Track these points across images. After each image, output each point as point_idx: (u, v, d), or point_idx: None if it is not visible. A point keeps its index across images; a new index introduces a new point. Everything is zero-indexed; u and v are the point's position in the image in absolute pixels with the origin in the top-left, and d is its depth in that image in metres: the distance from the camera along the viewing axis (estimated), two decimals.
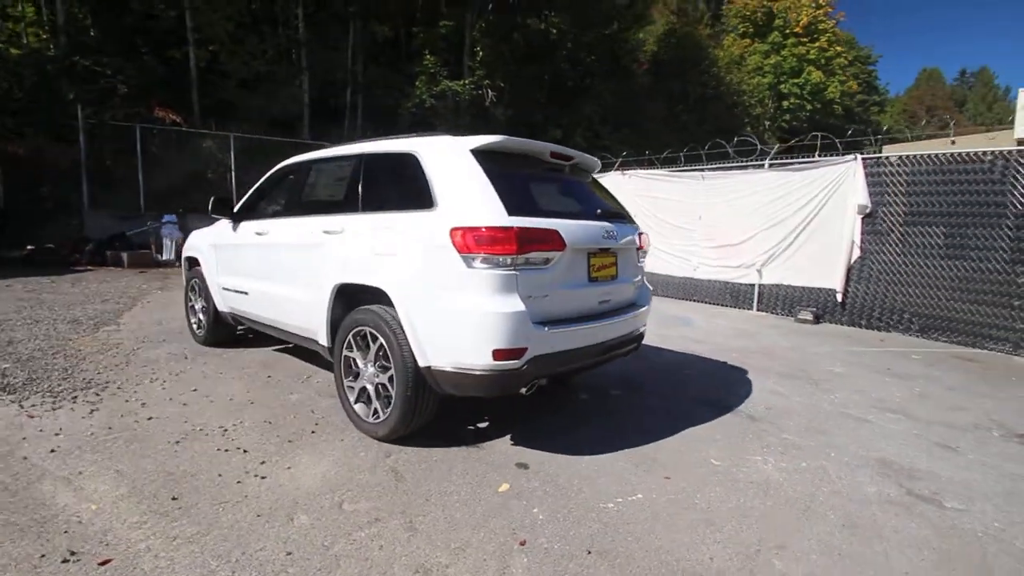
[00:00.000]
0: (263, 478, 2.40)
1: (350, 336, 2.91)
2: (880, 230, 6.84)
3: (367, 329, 2.78)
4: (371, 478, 2.45)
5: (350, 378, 3.00)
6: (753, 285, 8.04)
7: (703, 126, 20.02)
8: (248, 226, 3.94)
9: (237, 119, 15.16)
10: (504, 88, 17.77)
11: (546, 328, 2.50)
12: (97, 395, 3.38)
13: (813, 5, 24.78)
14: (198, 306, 4.81)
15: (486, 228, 2.37)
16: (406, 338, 2.60)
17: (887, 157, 7.02)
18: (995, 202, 5.94)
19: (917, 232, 6.55)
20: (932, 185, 6.45)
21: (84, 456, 2.52)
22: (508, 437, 2.97)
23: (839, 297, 7.14)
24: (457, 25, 17.65)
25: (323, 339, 3.16)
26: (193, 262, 4.85)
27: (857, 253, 7.03)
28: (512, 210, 2.45)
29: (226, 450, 2.66)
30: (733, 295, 8.29)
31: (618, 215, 3.25)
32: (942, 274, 6.33)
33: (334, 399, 3.45)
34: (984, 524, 2.37)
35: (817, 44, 24.52)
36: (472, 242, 2.37)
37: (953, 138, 25.39)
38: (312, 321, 3.23)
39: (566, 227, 2.62)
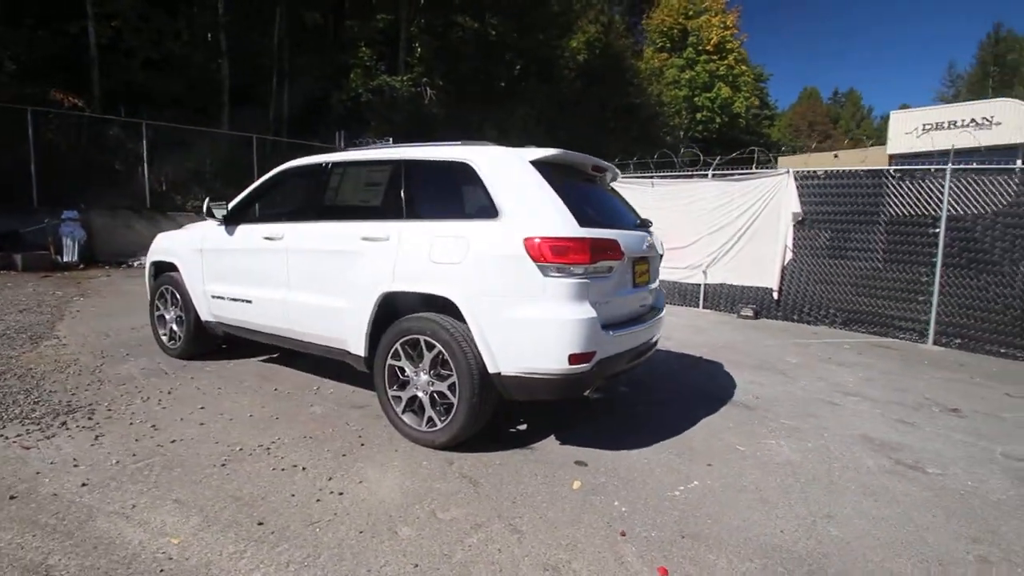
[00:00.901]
0: (341, 494, 2.32)
1: (397, 345, 2.87)
2: (808, 235, 7.74)
3: (422, 337, 2.76)
4: (447, 486, 2.46)
5: (395, 387, 2.95)
6: (699, 285, 8.72)
7: (630, 133, 21.20)
8: (250, 230, 3.69)
9: (147, 105, 13.72)
10: (442, 86, 17.60)
11: (609, 332, 2.65)
12: (89, 419, 3.03)
13: (721, 25, 27.16)
14: (169, 316, 4.40)
15: (562, 239, 2.47)
16: (474, 345, 2.62)
17: (815, 171, 7.96)
18: (874, 210, 7.07)
19: (837, 237, 7.51)
20: (844, 196, 7.43)
21: (126, 487, 2.28)
22: (552, 437, 3.08)
23: (775, 295, 7.97)
24: (394, 19, 17.22)
25: (358, 349, 3.07)
26: (162, 268, 4.43)
27: (790, 256, 7.88)
28: (579, 221, 2.57)
29: (282, 469, 2.52)
30: (681, 294, 8.94)
31: (645, 223, 3.48)
32: (856, 274, 7.31)
33: (361, 410, 3.37)
34: (961, 484, 2.86)
35: (726, 62, 26.93)
36: (548, 252, 2.46)
37: (836, 152, 28.93)
38: (344, 330, 3.12)
39: (622, 237, 2.79)
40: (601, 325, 2.63)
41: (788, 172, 7.88)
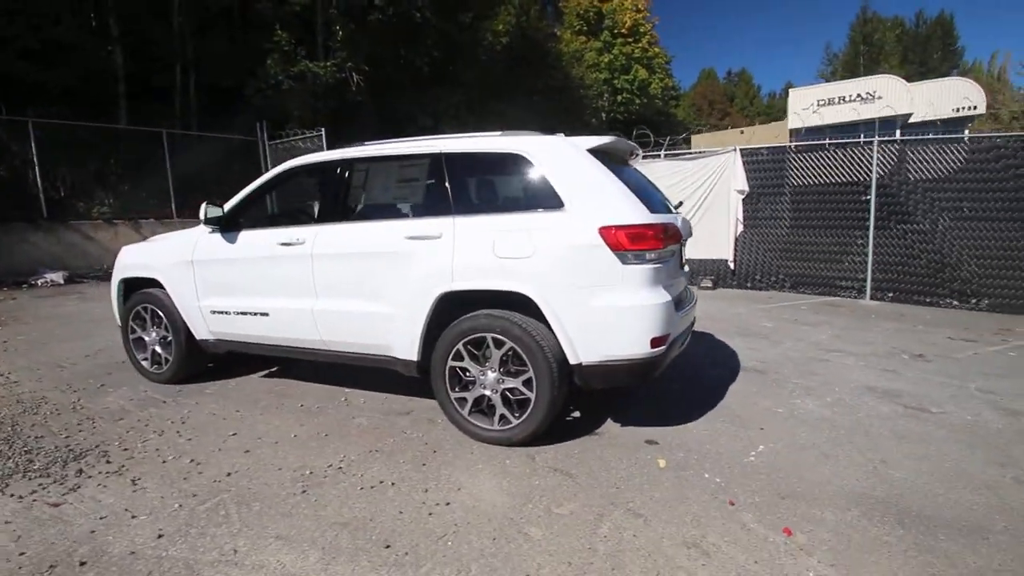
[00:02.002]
0: (448, 504, 2.23)
1: (459, 346, 2.77)
2: (754, 208, 8.34)
3: (489, 335, 2.69)
4: (545, 481, 2.44)
5: (458, 389, 2.86)
6: None
7: (557, 116, 21.48)
8: (257, 236, 3.36)
9: (32, 100, 11.96)
10: (368, 71, 16.80)
11: (677, 314, 2.74)
12: (108, 462, 2.66)
13: (634, 9, 28.13)
14: (150, 338, 3.93)
15: (638, 226, 2.50)
16: (551, 338, 2.60)
17: (759, 148, 8.54)
18: (809, 181, 7.77)
19: (779, 208, 8.16)
20: (783, 170, 8.08)
21: (211, 532, 2.04)
22: (609, 421, 3.14)
23: (731, 265, 8.53)
24: (311, 1, 16.12)
25: (408, 354, 2.93)
26: (136, 285, 3.93)
27: (740, 228, 8.46)
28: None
29: (371, 487, 2.37)
30: None
31: (677, 205, 3.58)
32: (799, 240, 8.01)
33: (408, 416, 3.23)
34: (962, 419, 3.28)
35: (640, 44, 28.00)
36: (626, 240, 2.47)
37: (742, 129, 31.11)
38: (389, 336, 2.96)
39: (676, 221, 2.86)
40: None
41: (735, 150, 8.41)
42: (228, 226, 3.47)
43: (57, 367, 4.43)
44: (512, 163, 2.75)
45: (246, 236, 3.41)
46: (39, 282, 10.07)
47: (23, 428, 3.12)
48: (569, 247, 2.54)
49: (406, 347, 2.94)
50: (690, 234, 3.59)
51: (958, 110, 22.55)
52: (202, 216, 3.35)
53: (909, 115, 22.17)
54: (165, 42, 14.72)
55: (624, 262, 2.49)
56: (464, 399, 2.84)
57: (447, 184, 2.85)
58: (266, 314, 3.33)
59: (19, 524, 2.11)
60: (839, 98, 23.54)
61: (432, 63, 19.45)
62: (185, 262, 3.60)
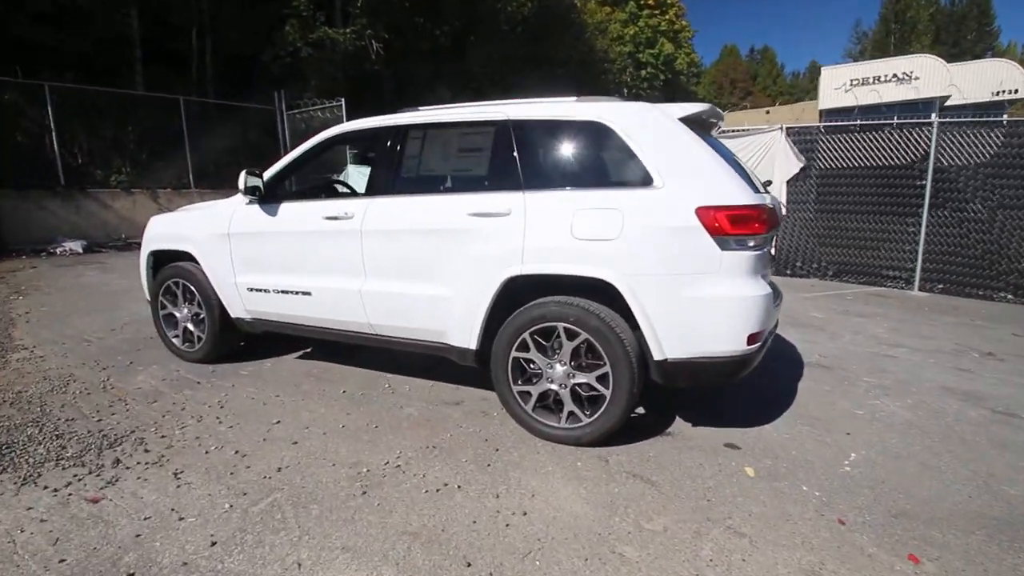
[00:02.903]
0: (525, 514, 2.01)
1: (526, 335, 2.52)
2: (796, 192, 7.93)
3: (561, 325, 2.43)
4: (625, 489, 2.21)
5: (522, 382, 2.62)
6: None
7: (581, 90, 20.88)
8: (300, 208, 3.11)
9: (48, 65, 11.68)
10: (388, 39, 16.27)
11: (774, 307, 2.46)
12: (147, 451, 2.47)
13: None
14: (181, 314, 3.72)
15: (741, 207, 2.21)
16: (635, 330, 2.34)
17: (809, 127, 8.09)
18: (825, 164, 7.29)
19: (825, 191, 7.75)
20: (833, 151, 7.63)
21: (269, 540, 1.84)
22: (679, 421, 2.90)
23: (772, 251, 8.16)
24: None
25: (465, 341, 2.69)
26: (167, 258, 3.71)
27: (783, 212, 8.06)
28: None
29: (436, 490, 2.16)
30: None
31: (766, 184, 3.26)
32: (846, 226, 7.61)
33: (459, 407, 3.01)
34: None
35: (667, 17, 26.97)
36: (727, 222, 2.19)
37: (767, 109, 30.12)
38: (445, 321, 2.72)
39: (772, 202, 2.56)
40: None
41: (782, 128, 7.97)
42: (268, 197, 3.21)
43: (83, 341, 4.25)
44: (593, 133, 2.45)
45: (287, 208, 3.15)
46: (58, 251, 9.95)
47: (52, 409, 2.94)
48: (660, 229, 2.26)
49: (464, 334, 2.69)
50: (783, 218, 3.29)
51: (997, 93, 21.58)
52: (241, 185, 3.09)
53: (947, 97, 21.27)
54: (181, 7, 14.27)
55: (724, 248, 2.21)
56: (528, 393, 2.60)
57: (516, 155, 2.56)
58: (308, 294, 3.10)
59: (56, 523, 1.92)
60: (873, 78, 22.60)
61: (452, 32, 18.83)
62: (221, 235, 3.35)
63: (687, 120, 2.45)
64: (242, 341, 3.88)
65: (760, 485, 2.27)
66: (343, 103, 12.41)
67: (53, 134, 10.91)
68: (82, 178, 11.37)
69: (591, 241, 2.33)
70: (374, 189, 2.93)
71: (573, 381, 2.49)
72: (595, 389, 2.46)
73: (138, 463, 2.36)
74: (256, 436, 2.63)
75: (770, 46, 73.66)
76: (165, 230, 3.70)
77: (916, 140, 7.04)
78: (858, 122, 8.07)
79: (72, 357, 3.87)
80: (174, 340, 3.81)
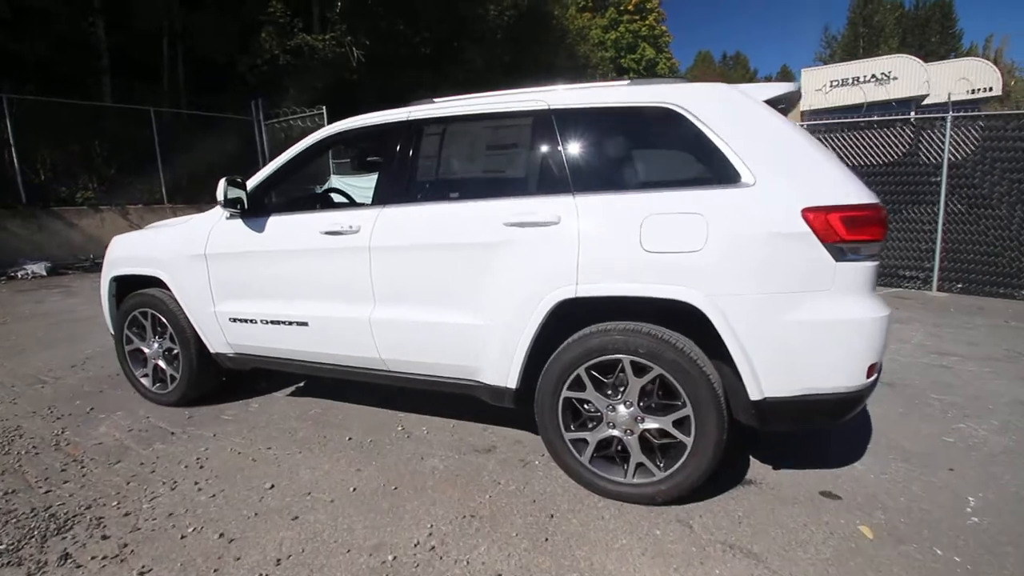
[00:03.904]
0: None
1: (580, 371, 2.05)
2: None
3: (626, 358, 1.97)
4: (728, 568, 1.75)
5: (576, 428, 2.14)
6: None
7: None
8: (292, 222, 2.60)
9: (6, 75, 10.93)
10: (369, 46, 15.76)
11: None
12: (105, 537, 1.93)
13: None
14: (151, 350, 3.17)
15: (859, 207, 1.78)
16: (726, 363, 1.89)
17: (816, 125, 7.81)
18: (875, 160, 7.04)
19: None
20: (838, 151, 7.36)
21: None
22: (755, 461, 2.45)
23: None
24: None
25: (502, 378, 2.21)
26: (132, 284, 3.16)
27: None
28: None
29: None
30: None
31: None
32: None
33: (491, 454, 2.53)
34: None
35: (647, 22, 27.03)
36: (842, 226, 1.75)
37: None
38: (476, 355, 2.24)
39: None
40: None
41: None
42: (252, 210, 2.70)
43: (38, 382, 3.66)
44: (659, 121, 2.01)
45: (276, 223, 2.64)
46: (19, 274, 9.23)
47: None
48: (757, 237, 1.81)
49: (500, 370, 2.21)
50: None
51: (974, 92, 21.92)
52: (220, 196, 2.57)
53: (924, 96, 21.53)
54: (150, 14, 13.59)
55: (839, 258, 1.77)
56: (583, 441, 2.12)
57: (562, 151, 2.10)
58: (305, 324, 2.58)
59: None
60: (853, 78, 22.80)
61: (433, 40, 18.42)
62: (196, 256, 2.82)
63: (772, 104, 2.02)
64: (224, 377, 3.33)
65: (886, 551, 1.83)
66: (324, 111, 11.89)
67: (12, 149, 10.17)
68: (45, 195, 10.64)
69: (667, 254, 1.88)
70: (384, 197, 2.43)
71: (642, 426, 2.03)
72: (671, 436, 1.99)
73: (92, 557, 1.82)
74: (245, 509, 2.10)
75: (742, 52, 74.86)
76: (130, 252, 3.15)
77: (927, 136, 6.80)
78: (867, 118, 7.84)
79: (23, 403, 3.28)
80: (143, 381, 3.25)
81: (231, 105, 13.88)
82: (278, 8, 14.26)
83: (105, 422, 3.01)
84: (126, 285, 3.21)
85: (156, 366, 3.19)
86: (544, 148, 2.15)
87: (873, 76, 22.74)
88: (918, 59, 22.71)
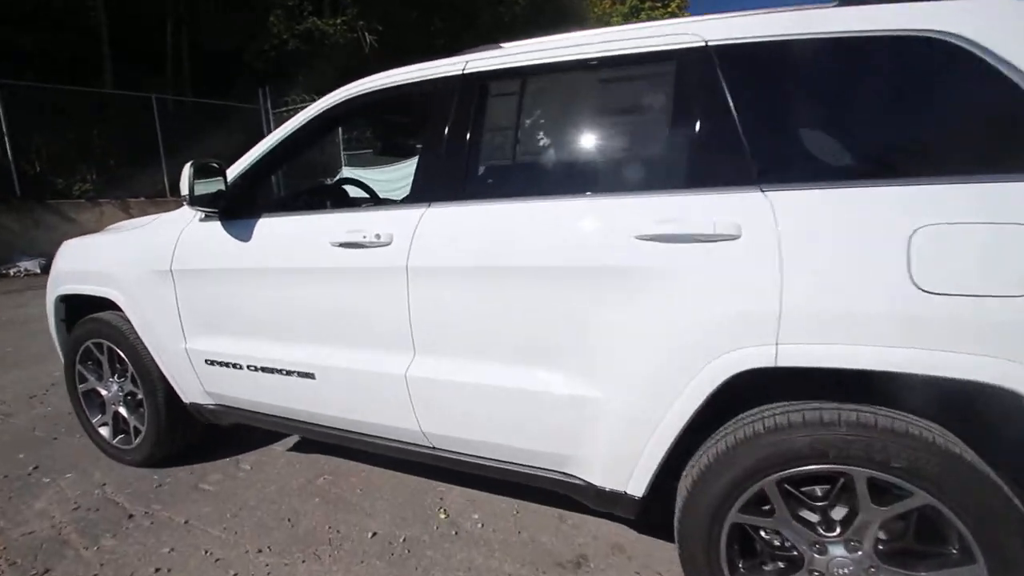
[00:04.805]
0: None
1: (769, 483, 1.21)
2: None
3: (860, 472, 1.13)
4: None
5: (746, 569, 1.31)
6: None
7: None
8: (292, 228, 1.79)
9: (2, 60, 10.27)
10: (382, 32, 14.91)
11: None
12: None
13: None
14: (109, 393, 2.39)
15: None
16: None
17: None
18: None
19: None
20: None
21: None
22: None
23: None
24: None
25: (620, 479, 1.39)
26: (85, 305, 2.37)
27: None
28: None
29: None
30: None
31: None
32: None
33: (582, 571, 1.69)
34: None
35: (668, 9, 25.82)
36: None
37: None
38: (583, 439, 1.41)
39: None
40: None
41: None
42: (235, 209, 1.88)
43: None
44: (914, 60, 1.15)
45: (269, 227, 1.82)
46: (11, 271, 8.65)
47: None
48: None
49: (615, 468, 1.39)
50: None
51: None
52: (184, 188, 1.75)
53: None
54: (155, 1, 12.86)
55: None
56: None
57: (735, 114, 1.25)
58: (309, 376, 1.76)
59: None
60: None
61: (448, 30, 17.52)
62: (159, 272, 2.01)
63: None
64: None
65: None
66: None
67: (6, 139, 9.54)
68: (41, 188, 10.02)
69: (966, 297, 1.02)
70: (427, 192, 1.58)
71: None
72: None
73: None
74: None
75: None
76: (77, 264, 2.36)
77: None
78: None
79: None
80: (102, 431, 2.47)
81: (237, 93, 13.17)
82: None
83: (47, 491, 2.24)
84: (76, 306, 2.43)
85: (117, 413, 2.40)
86: (702, 109, 1.28)
87: None
88: None
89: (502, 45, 1.63)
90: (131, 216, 10.30)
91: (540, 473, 1.53)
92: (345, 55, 14.97)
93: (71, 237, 2.64)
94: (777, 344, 1.14)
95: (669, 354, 1.25)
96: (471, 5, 18.18)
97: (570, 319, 1.35)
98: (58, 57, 11.58)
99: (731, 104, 1.26)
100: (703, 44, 1.31)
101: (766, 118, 1.27)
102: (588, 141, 1.63)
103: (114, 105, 11.42)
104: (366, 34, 14.67)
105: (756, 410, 1.26)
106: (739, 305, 1.17)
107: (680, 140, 1.34)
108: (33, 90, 9.98)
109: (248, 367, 1.90)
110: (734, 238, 1.19)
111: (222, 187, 1.83)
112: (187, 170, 1.74)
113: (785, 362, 1.14)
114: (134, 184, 10.92)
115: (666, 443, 1.28)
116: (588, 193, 1.40)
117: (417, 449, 1.70)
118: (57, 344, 2.58)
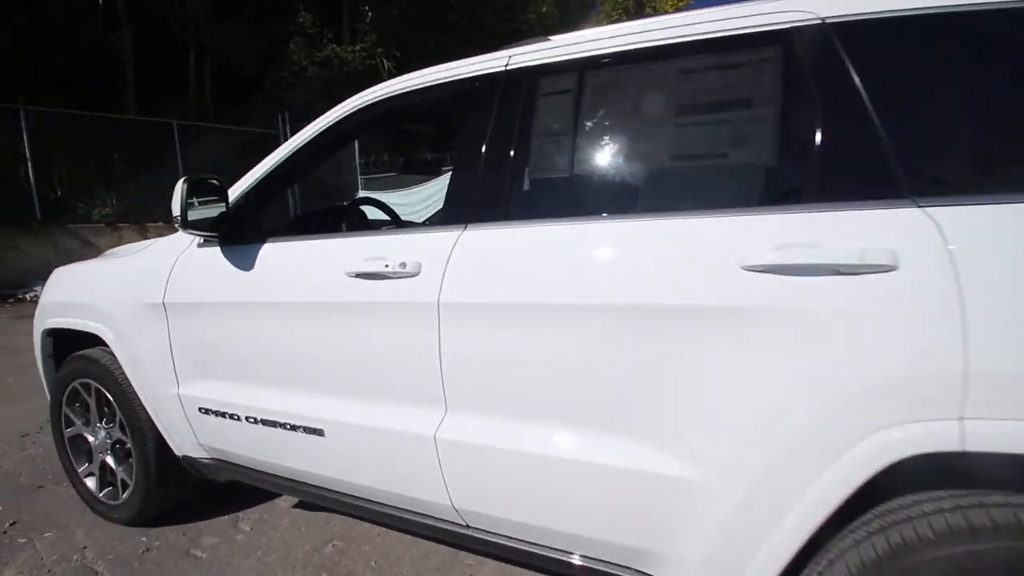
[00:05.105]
0: None
1: None
2: None
3: None
4: None
5: None
6: None
7: None
8: (300, 255, 1.53)
9: (28, 86, 10.46)
10: (399, 58, 15.04)
11: None
12: None
13: None
14: (96, 439, 2.12)
15: None
16: None
17: None
18: None
19: None
20: None
21: None
22: None
23: None
24: None
25: None
26: (73, 341, 2.12)
27: None
28: None
29: None
30: None
31: None
32: None
33: None
34: None
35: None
36: None
37: None
38: (673, 532, 1.08)
39: None
40: None
41: None
42: (236, 234, 1.62)
43: None
44: None
45: (276, 254, 1.55)
46: (28, 296, 8.59)
47: None
48: None
49: (717, 570, 1.05)
50: None
51: None
52: (176, 209, 1.50)
53: None
54: (178, 26, 13.14)
55: None
56: None
57: (868, 106, 0.95)
58: (318, 432, 1.47)
59: None
60: None
61: (467, 52, 17.70)
62: (150, 306, 1.75)
63: None
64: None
65: None
66: None
67: (29, 163, 9.61)
68: (61, 212, 10.08)
69: None
70: (462, 211, 1.29)
71: None
72: None
73: None
74: None
75: None
76: (64, 295, 2.12)
77: None
78: None
79: None
80: (88, 482, 2.19)
81: (257, 119, 13.30)
82: (307, 19, 13.68)
83: (22, 554, 1.96)
84: (64, 340, 2.18)
85: (104, 463, 2.13)
86: (822, 104, 0.98)
87: None
88: None
89: (550, 38, 1.36)
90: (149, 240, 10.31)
91: (605, 568, 1.20)
92: (364, 81, 15.15)
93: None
94: (962, 419, 0.81)
95: (795, 430, 0.92)
96: (483, 30, 18.42)
97: (649, 373, 1.03)
98: (82, 82, 11.79)
99: (863, 95, 0.96)
100: (820, 20, 1.02)
101: (912, 112, 0.97)
102: (669, 146, 1.32)
103: (135, 130, 11.55)
104: (384, 60, 14.82)
105: (903, 501, 0.92)
106: (901, 363, 0.85)
107: (793, 143, 1.04)
108: (57, 116, 10.13)
109: (247, 419, 1.61)
110: (889, 269, 0.87)
111: (223, 207, 1.57)
112: (180, 187, 1.49)
113: (976, 445, 0.80)
114: (154, 209, 10.94)
115: (799, 541, 0.94)
116: (673, 211, 1.10)
117: (448, 528, 1.38)
118: (44, 383, 2.33)
